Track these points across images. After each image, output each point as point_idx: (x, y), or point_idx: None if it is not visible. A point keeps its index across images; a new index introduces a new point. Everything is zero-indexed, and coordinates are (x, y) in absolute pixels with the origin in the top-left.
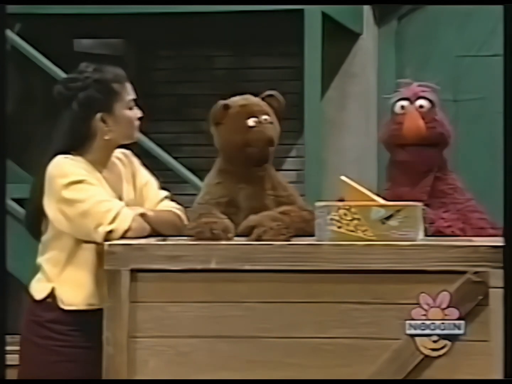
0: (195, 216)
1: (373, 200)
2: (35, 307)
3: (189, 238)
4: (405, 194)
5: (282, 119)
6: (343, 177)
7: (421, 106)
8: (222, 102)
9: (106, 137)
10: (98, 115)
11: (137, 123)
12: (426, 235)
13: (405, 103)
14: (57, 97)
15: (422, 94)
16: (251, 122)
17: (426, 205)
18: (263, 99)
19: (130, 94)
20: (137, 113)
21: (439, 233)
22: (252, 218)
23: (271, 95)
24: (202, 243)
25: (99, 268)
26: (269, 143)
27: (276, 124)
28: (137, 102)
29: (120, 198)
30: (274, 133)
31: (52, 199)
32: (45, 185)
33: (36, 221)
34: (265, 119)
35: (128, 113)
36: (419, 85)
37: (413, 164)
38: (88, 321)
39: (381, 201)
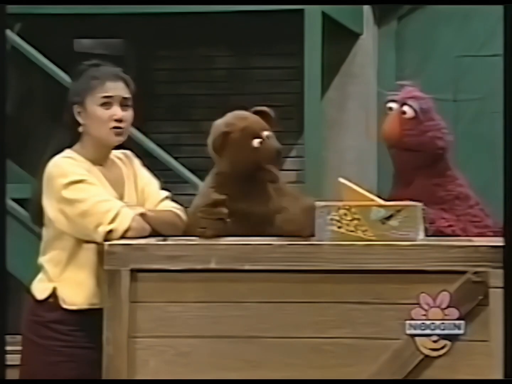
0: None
1: (372, 201)
2: (37, 307)
3: (190, 237)
4: (396, 196)
5: (276, 131)
6: (341, 179)
7: (403, 112)
8: (222, 130)
9: (80, 129)
10: (74, 107)
11: (112, 123)
12: (427, 235)
13: (393, 105)
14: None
15: (408, 100)
16: (256, 143)
17: None
18: (255, 113)
19: (106, 92)
20: (113, 114)
21: (439, 233)
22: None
23: (262, 111)
24: (202, 243)
25: (100, 268)
26: (279, 156)
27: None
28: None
29: (122, 198)
30: (279, 144)
31: (52, 199)
32: (44, 185)
33: (41, 220)
34: (267, 136)
35: (99, 110)
36: (411, 91)
37: (397, 166)
38: (89, 321)
39: (381, 201)
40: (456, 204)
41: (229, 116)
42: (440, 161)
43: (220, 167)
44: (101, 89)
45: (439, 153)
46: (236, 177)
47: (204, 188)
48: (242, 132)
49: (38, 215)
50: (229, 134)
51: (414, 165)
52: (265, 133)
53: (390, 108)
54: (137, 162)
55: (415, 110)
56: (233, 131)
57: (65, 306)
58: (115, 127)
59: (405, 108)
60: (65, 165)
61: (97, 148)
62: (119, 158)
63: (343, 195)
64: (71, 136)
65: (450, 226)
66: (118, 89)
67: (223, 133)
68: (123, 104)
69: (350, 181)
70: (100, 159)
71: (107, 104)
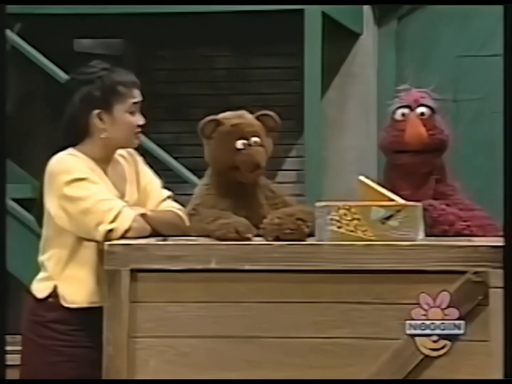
0: (209, 220)
1: (392, 200)
2: (37, 307)
3: (190, 237)
4: (407, 198)
5: (276, 137)
6: (361, 177)
7: (422, 114)
8: (212, 117)
9: (102, 136)
10: (95, 112)
11: (137, 129)
12: (447, 236)
13: (406, 110)
14: (65, 87)
15: (422, 101)
16: (239, 144)
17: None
18: (258, 117)
19: (134, 99)
20: (139, 119)
21: (458, 234)
22: (273, 220)
23: (266, 115)
24: (202, 243)
25: (101, 266)
26: (256, 168)
27: (267, 145)
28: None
29: (123, 196)
30: (263, 156)
31: (54, 195)
32: (46, 181)
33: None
34: (255, 142)
35: (128, 117)
36: (419, 92)
37: (414, 168)
38: (90, 320)
39: (401, 201)
40: (456, 198)
41: (229, 112)
42: (443, 157)
43: (205, 156)
44: (130, 96)
45: (449, 147)
46: (226, 177)
47: (199, 188)
48: (232, 127)
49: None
50: (219, 125)
51: (431, 166)
52: (254, 139)
53: (403, 114)
54: (140, 160)
55: (431, 108)
56: (224, 123)
57: (65, 304)
58: (137, 132)
59: (422, 109)
60: (69, 162)
61: (107, 150)
62: (123, 157)
63: (362, 193)
64: (76, 138)
65: (468, 226)
66: (139, 95)
67: (214, 121)
68: (140, 109)
69: (369, 180)
70: (105, 159)
71: (133, 111)
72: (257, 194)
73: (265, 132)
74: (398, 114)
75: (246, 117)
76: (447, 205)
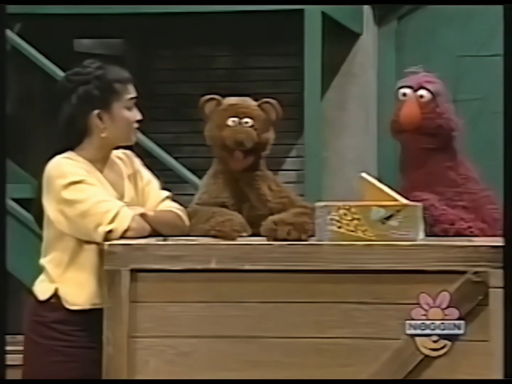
0: (207, 216)
1: (393, 198)
2: (39, 307)
3: (190, 237)
4: (414, 180)
5: (277, 126)
6: (363, 174)
7: (421, 96)
8: (212, 95)
9: (103, 135)
10: (95, 112)
11: (135, 125)
12: (448, 235)
13: (407, 90)
14: (59, 89)
15: (424, 84)
16: (230, 121)
17: (440, 194)
18: (260, 104)
19: (131, 95)
20: (136, 115)
21: (458, 234)
22: (271, 218)
23: (267, 102)
24: (202, 243)
25: (102, 268)
26: (239, 145)
27: (262, 131)
28: (137, 103)
29: (122, 197)
30: (249, 136)
31: (52, 199)
32: (44, 185)
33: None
34: (246, 122)
35: (126, 113)
36: (425, 75)
37: (413, 149)
38: (92, 321)
39: (402, 199)
40: (469, 187)
41: (234, 97)
42: (452, 144)
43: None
44: (127, 92)
45: (453, 135)
46: (225, 165)
47: (205, 177)
48: (227, 107)
49: (41, 216)
50: (218, 104)
51: (429, 148)
52: (246, 119)
53: (404, 94)
54: (137, 161)
55: (432, 93)
56: (222, 103)
57: (67, 306)
58: (135, 128)
59: (422, 92)
60: (64, 166)
61: (105, 149)
62: (120, 158)
63: (362, 190)
64: (75, 140)
65: (469, 227)
66: (134, 90)
67: (214, 100)
68: (135, 104)
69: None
70: (101, 160)
71: (130, 107)
72: (259, 184)
73: (265, 120)
74: (400, 94)
75: (246, 101)
76: (458, 193)
